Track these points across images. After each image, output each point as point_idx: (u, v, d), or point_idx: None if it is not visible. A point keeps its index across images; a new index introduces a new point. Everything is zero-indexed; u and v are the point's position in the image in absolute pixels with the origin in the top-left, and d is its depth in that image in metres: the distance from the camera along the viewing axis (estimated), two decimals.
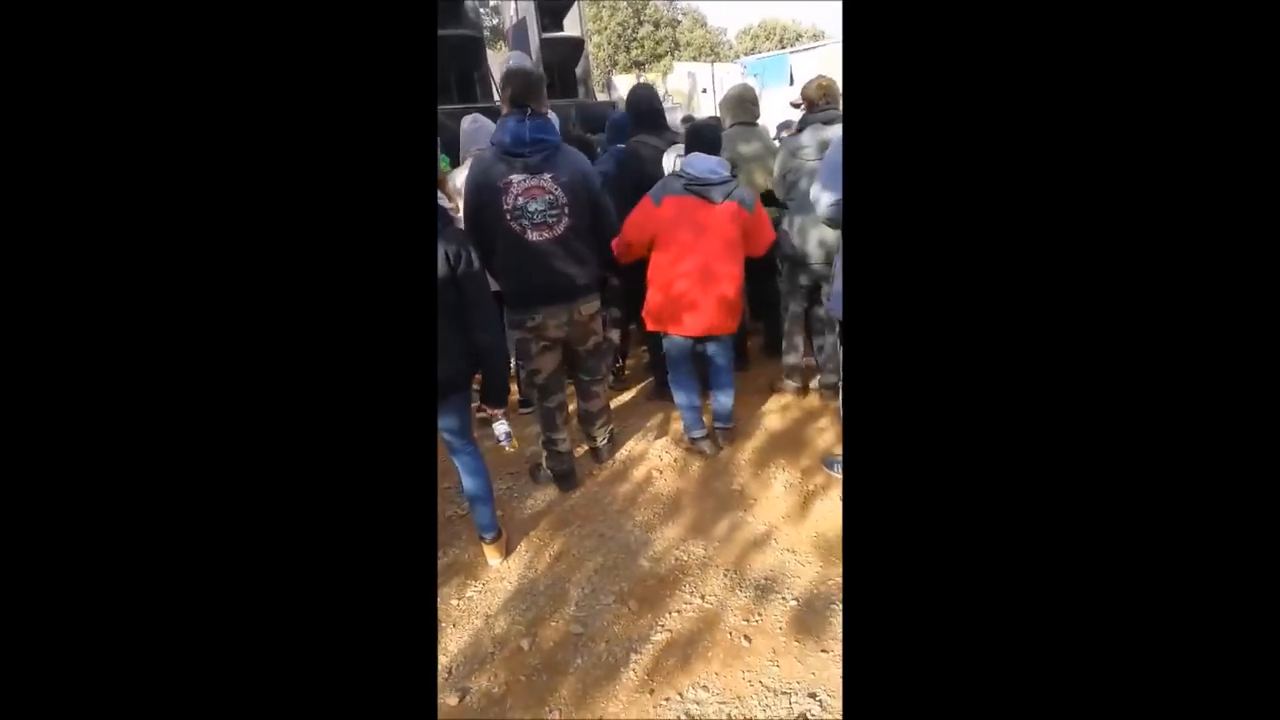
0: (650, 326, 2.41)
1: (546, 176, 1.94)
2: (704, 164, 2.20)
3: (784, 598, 1.74)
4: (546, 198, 1.95)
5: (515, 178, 1.91)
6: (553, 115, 2.91)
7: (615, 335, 2.93)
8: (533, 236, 1.96)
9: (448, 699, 1.50)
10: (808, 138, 2.41)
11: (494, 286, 2.21)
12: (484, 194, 1.91)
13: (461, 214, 1.83)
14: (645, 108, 2.73)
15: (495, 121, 2.73)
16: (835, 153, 1.87)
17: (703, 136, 2.35)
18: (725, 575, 1.85)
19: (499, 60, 5.20)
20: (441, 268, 1.58)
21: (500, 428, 1.85)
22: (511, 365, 2.28)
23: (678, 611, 1.73)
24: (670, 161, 2.35)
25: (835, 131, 2.35)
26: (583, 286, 2.09)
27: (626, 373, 3.20)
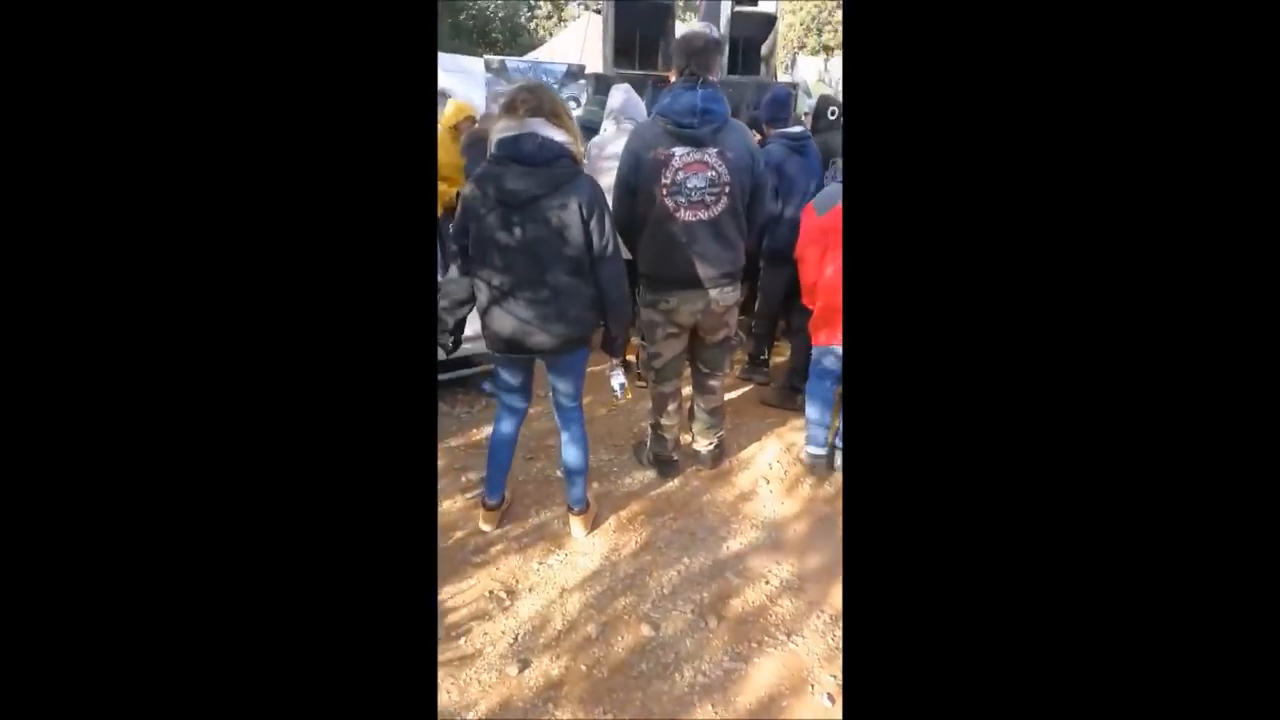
0: (814, 340, 2.23)
1: (712, 151, 1.80)
2: None
3: None
4: (709, 174, 1.81)
5: (678, 150, 1.78)
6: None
7: (744, 329, 2.76)
8: (686, 216, 1.83)
9: (508, 668, 1.48)
10: None
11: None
12: (643, 165, 1.81)
13: (587, 167, 1.76)
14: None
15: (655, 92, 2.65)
16: None
17: None
18: (818, 617, 1.66)
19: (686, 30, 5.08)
20: (574, 221, 1.53)
21: (617, 379, 1.90)
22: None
23: (757, 643, 1.57)
24: None
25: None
26: (725, 275, 1.94)
27: (769, 367, 3.00)
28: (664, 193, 1.81)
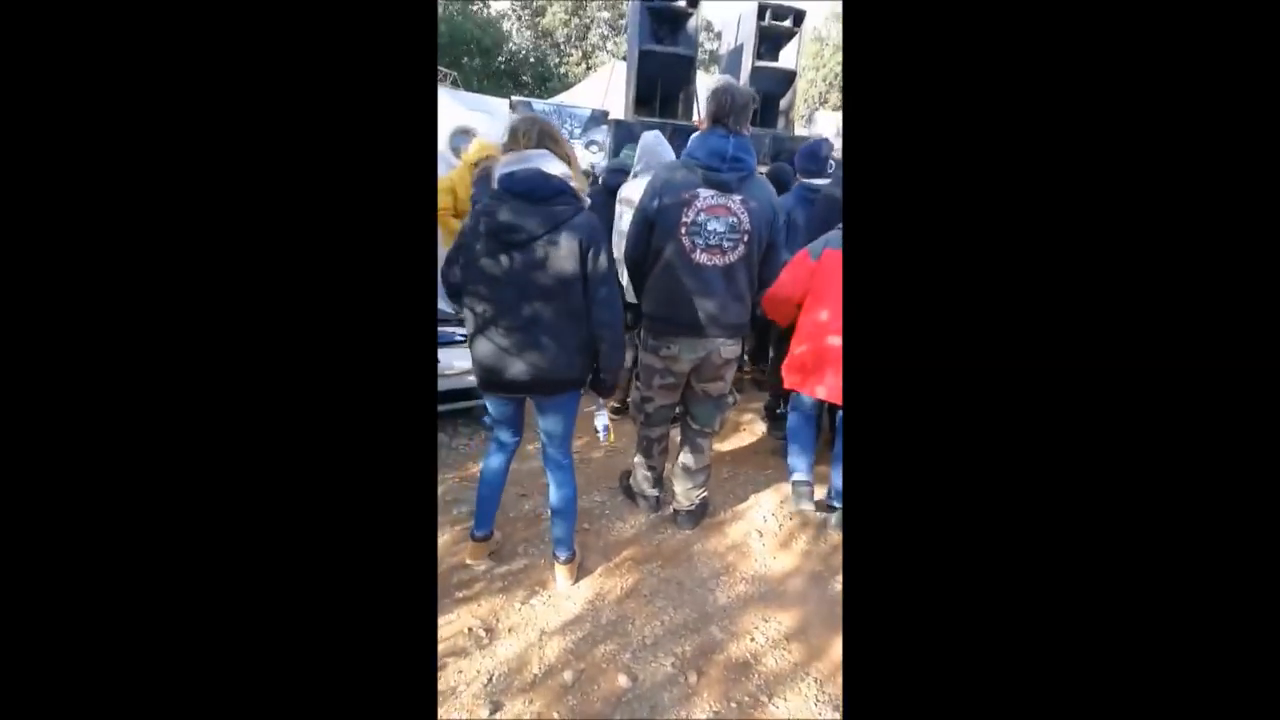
0: (788, 384, 2.22)
1: (736, 198, 1.80)
2: None
3: None
4: (730, 219, 1.81)
5: (704, 192, 1.78)
6: None
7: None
8: (701, 259, 1.82)
9: (479, 709, 1.45)
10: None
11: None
12: (665, 201, 1.80)
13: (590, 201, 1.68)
14: None
15: (675, 140, 2.70)
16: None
17: None
18: (803, 680, 1.61)
19: (708, 82, 5.25)
20: (571, 260, 1.50)
21: (601, 419, 1.94)
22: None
23: (737, 704, 1.53)
24: None
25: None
26: (731, 327, 1.92)
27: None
28: (683, 231, 1.81)
